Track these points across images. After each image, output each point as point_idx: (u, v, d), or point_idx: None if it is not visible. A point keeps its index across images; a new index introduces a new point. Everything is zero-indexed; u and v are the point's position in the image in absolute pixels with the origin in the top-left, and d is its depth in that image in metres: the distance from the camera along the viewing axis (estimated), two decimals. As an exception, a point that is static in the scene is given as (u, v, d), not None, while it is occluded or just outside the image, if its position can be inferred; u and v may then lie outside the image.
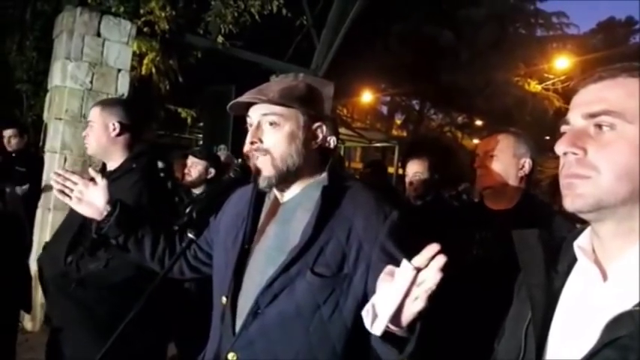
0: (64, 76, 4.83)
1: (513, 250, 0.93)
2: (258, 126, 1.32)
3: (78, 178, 1.68)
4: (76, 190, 1.66)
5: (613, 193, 0.76)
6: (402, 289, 0.89)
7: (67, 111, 4.81)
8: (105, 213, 1.63)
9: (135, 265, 2.00)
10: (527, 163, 2.00)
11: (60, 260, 2.12)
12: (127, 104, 2.47)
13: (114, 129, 2.26)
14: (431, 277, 0.87)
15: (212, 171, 3.67)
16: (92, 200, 1.65)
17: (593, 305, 0.79)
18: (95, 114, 2.28)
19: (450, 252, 2.06)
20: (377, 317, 0.93)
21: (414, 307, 0.90)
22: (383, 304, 0.92)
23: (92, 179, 1.67)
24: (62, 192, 1.67)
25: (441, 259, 0.87)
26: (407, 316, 0.93)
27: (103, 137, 2.25)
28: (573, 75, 12.79)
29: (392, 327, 0.95)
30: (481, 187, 2.08)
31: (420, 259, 0.89)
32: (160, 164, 4.15)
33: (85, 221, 2.12)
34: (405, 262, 0.90)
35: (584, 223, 0.91)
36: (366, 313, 0.97)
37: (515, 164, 1.99)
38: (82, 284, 2.10)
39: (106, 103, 2.37)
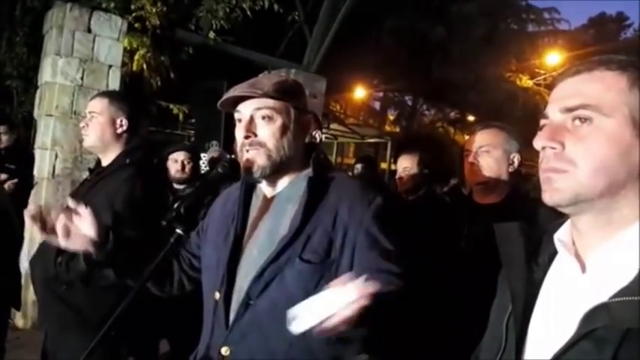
0: (55, 72, 4.80)
1: None
2: (251, 120, 1.33)
3: (55, 213, 1.47)
4: (60, 225, 1.45)
5: (590, 187, 0.77)
6: (336, 307, 0.92)
7: (58, 107, 4.78)
8: (98, 242, 1.46)
9: None
10: (516, 158, 2.03)
11: (50, 262, 2.07)
12: (131, 100, 2.36)
13: (121, 125, 2.19)
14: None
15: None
16: (81, 232, 1.45)
17: (572, 297, 0.80)
18: (101, 106, 2.18)
19: (439, 246, 2.06)
20: (300, 317, 0.95)
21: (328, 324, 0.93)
22: (318, 307, 0.94)
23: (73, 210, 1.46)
24: (44, 230, 1.47)
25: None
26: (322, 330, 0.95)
27: (107, 132, 2.17)
28: (564, 70, 12.84)
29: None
30: (474, 183, 2.09)
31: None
32: (155, 161, 4.14)
33: None
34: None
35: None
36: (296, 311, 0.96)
37: (506, 159, 2.02)
38: (73, 285, 2.05)
39: (114, 97, 2.26)
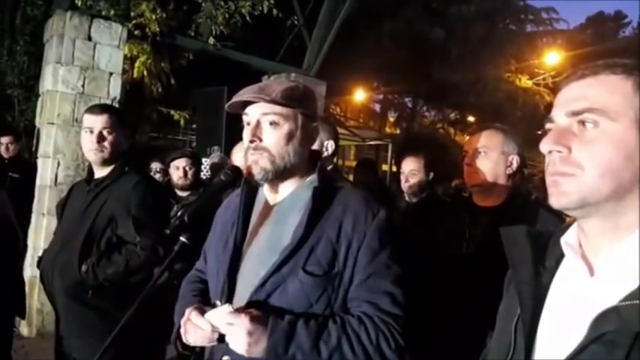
0: (56, 81, 4.82)
1: (501, 247, 0.94)
2: (258, 124, 1.33)
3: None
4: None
5: (597, 190, 0.77)
6: None
7: (59, 115, 4.80)
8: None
9: (152, 265, 2.05)
10: (515, 159, 1.99)
11: (73, 269, 2.10)
12: (124, 113, 2.54)
13: (127, 138, 2.33)
14: None
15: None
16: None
17: (580, 300, 0.80)
18: (114, 122, 2.27)
19: (440, 248, 2.05)
20: None
21: None
22: None
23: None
24: None
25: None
26: None
27: (123, 146, 2.29)
28: (563, 70, 12.87)
29: None
30: (470, 185, 2.06)
31: None
32: (161, 166, 4.16)
33: (94, 225, 2.13)
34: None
35: (569, 218, 0.92)
36: None
37: (503, 161, 1.98)
38: (100, 290, 2.10)
39: (121, 114, 2.39)
